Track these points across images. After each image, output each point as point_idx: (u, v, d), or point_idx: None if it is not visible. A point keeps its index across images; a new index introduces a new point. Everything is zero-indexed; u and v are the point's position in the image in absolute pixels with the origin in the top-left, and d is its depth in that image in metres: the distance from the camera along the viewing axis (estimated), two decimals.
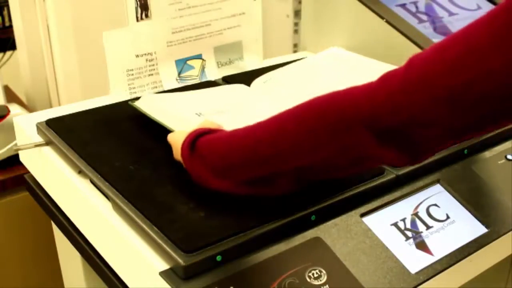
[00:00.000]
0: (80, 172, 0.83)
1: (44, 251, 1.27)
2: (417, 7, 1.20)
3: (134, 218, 0.71)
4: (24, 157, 1.02)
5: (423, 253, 0.77)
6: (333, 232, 0.74)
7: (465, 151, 0.92)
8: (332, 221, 0.76)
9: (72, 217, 0.88)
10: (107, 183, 0.77)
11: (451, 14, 1.21)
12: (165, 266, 0.67)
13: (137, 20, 0.99)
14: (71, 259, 1.00)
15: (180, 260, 0.65)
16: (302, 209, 0.74)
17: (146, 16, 1.00)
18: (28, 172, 1.01)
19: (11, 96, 1.52)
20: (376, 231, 0.77)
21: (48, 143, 0.90)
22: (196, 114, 0.90)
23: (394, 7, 1.17)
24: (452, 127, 0.60)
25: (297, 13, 1.60)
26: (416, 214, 0.81)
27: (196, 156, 0.72)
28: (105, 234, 0.78)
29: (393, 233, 0.77)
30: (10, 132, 1.11)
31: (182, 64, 1.08)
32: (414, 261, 0.75)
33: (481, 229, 0.83)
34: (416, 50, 1.02)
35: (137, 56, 1.01)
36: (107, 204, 0.77)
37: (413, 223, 0.80)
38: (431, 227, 0.80)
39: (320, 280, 0.69)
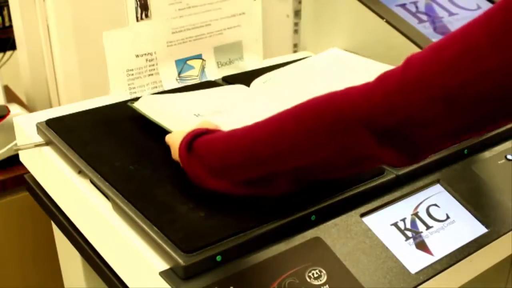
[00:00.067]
0: (80, 172, 0.83)
1: (44, 251, 1.27)
2: (417, 7, 1.20)
3: (134, 218, 0.71)
4: (24, 157, 1.02)
5: (423, 253, 0.77)
6: (333, 232, 0.74)
7: (465, 151, 0.92)
8: (332, 221, 0.76)
9: (72, 217, 0.88)
10: (107, 183, 0.77)
11: (451, 14, 1.21)
12: (165, 266, 0.67)
13: (137, 20, 0.99)
14: (71, 259, 1.00)
15: (180, 260, 0.65)
16: (302, 209, 0.74)
17: (146, 16, 1.00)
18: (28, 172, 1.01)
19: (11, 96, 1.52)
20: (376, 231, 0.77)
21: (48, 143, 0.90)
22: (195, 115, 0.90)
23: (394, 7, 1.17)
24: (450, 127, 0.60)
25: (297, 13, 1.60)
26: (416, 214, 0.81)
27: (194, 156, 0.72)
28: (105, 234, 0.78)
29: (393, 233, 0.77)
30: (10, 132, 1.11)
31: (182, 64, 1.08)
32: (414, 261, 0.75)
33: (481, 229, 0.83)
34: (416, 50, 1.02)
35: (137, 56, 1.01)
36: (107, 204, 0.77)
37: (413, 223, 0.80)
38: (431, 227, 0.80)
39: (320, 280, 0.69)
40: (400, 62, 0.62)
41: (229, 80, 1.10)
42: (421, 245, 0.77)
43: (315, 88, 0.72)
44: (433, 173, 0.87)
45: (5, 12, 1.90)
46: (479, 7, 1.26)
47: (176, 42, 1.05)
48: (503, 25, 0.54)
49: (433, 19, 1.18)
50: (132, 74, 1.01)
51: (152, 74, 1.04)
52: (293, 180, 0.70)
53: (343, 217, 0.77)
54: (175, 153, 0.76)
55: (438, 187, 0.86)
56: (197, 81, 1.10)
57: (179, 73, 1.08)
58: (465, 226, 0.82)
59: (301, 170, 0.68)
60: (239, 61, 1.15)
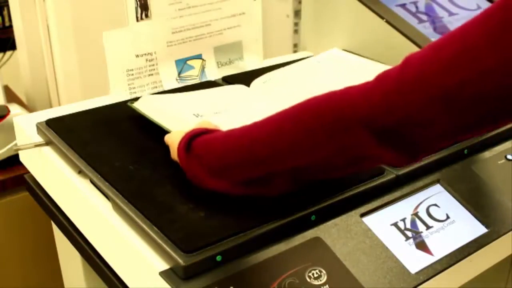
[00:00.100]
0: (80, 172, 0.83)
1: (44, 251, 1.27)
2: (417, 7, 1.20)
3: (134, 218, 0.71)
4: (24, 157, 1.02)
5: (423, 253, 0.77)
6: (333, 232, 0.74)
7: (465, 151, 0.92)
8: (332, 221, 0.76)
9: (72, 217, 0.88)
10: (107, 183, 0.77)
11: (451, 14, 1.21)
12: (165, 266, 0.67)
13: (137, 20, 0.99)
14: (71, 259, 1.00)
15: (180, 260, 0.65)
16: (302, 209, 0.74)
17: (146, 16, 1.00)
18: (28, 172, 1.01)
19: (11, 96, 1.52)
20: (376, 231, 0.77)
21: (48, 143, 0.90)
22: (194, 115, 0.90)
23: (394, 7, 1.17)
24: (449, 127, 0.60)
25: (297, 13, 1.60)
26: (416, 214, 0.81)
27: (193, 156, 0.72)
28: (105, 234, 0.78)
29: (393, 233, 0.77)
30: (10, 132, 1.11)
31: (182, 64, 1.08)
32: (414, 261, 0.75)
33: (481, 229, 0.83)
34: (416, 50, 1.02)
35: (137, 56, 1.01)
36: (107, 204, 0.77)
37: (413, 223, 0.80)
38: (431, 227, 0.80)
39: (320, 280, 0.69)
40: (400, 62, 0.62)
41: (229, 80, 1.10)
42: (421, 245, 0.77)
43: (315, 88, 0.72)
44: (433, 173, 0.87)
45: (5, 12, 1.90)
46: (479, 7, 1.26)
47: (176, 42, 1.05)
48: (502, 24, 0.54)
49: (433, 19, 1.18)
50: (132, 74, 1.01)
51: (152, 74, 1.04)
52: (292, 180, 0.70)
53: (343, 217, 0.77)
54: (174, 153, 0.76)
55: (438, 187, 0.86)
56: (197, 81, 1.10)
57: (179, 73, 1.08)
58: (465, 226, 0.82)
59: (300, 170, 0.68)
60: (239, 61, 1.15)
